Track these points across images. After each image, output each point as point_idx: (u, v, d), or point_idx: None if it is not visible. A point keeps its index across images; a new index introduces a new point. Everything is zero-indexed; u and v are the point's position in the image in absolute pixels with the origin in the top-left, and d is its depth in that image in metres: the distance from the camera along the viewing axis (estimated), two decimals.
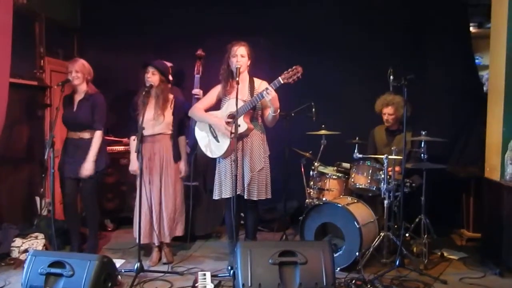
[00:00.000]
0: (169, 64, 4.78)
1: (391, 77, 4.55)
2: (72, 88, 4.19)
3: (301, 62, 3.69)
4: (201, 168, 4.83)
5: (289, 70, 3.65)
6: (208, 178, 4.79)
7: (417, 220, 4.22)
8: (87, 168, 4.07)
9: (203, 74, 4.85)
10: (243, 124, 3.79)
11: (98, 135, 4.15)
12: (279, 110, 3.83)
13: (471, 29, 5.64)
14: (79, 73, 4.10)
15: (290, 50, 5.30)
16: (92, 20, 5.64)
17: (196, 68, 4.88)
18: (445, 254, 4.35)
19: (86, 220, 4.32)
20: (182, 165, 4.23)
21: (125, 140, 5.12)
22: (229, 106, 3.89)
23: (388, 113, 4.60)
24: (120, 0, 5.52)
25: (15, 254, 4.17)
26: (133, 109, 4.06)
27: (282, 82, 3.65)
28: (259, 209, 4.21)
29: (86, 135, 4.16)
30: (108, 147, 4.52)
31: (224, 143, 3.89)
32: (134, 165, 4.06)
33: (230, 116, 3.87)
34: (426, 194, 4.12)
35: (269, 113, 3.84)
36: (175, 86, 4.99)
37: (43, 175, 4.92)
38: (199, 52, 4.90)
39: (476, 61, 5.88)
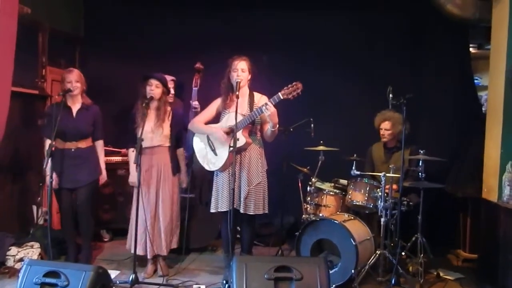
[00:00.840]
0: (171, 77, 4.82)
1: (390, 95, 4.59)
2: (64, 99, 4.07)
3: (301, 78, 3.73)
4: (198, 181, 4.83)
5: (289, 86, 3.67)
6: (204, 190, 4.79)
7: (413, 239, 4.21)
8: (104, 177, 4.35)
9: (202, 87, 4.86)
10: (241, 138, 3.81)
11: (102, 144, 4.33)
12: (278, 125, 3.85)
13: (471, 50, 5.69)
14: (79, 82, 4.12)
15: (289, 65, 5.34)
16: (94, 31, 5.69)
17: (194, 81, 4.88)
18: (441, 274, 4.32)
19: (80, 229, 4.30)
20: (183, 176, 4.26)
21: (123, 151, 5.13)
22: (229, 119, 3.90)
23: (384, 128, 4.62)
24: (122, 12, 5.57)
25: (10, 263, 4.15)
26: (132, 122, 4.07)
27: (281, 97, 3.67)
28: (255, 223, 4.20)
29: (83, 144, 4.18)
30: (106, 157, 4.52)
31: (222, 156, 3.90)
32: (133, 177, 4.01)
33: (229, 130, 3.89)
34: (423, 213, 4.11)
35: (268, 128, 3.85)
36: (178, 98, 5.02)
37: (41, 184, 4.92)
38: (198, 65, 4.90)
39: (475, 81, 5.91)
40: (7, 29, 3.94)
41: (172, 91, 4.86)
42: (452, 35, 5.29)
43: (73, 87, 4.09)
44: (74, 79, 4.11)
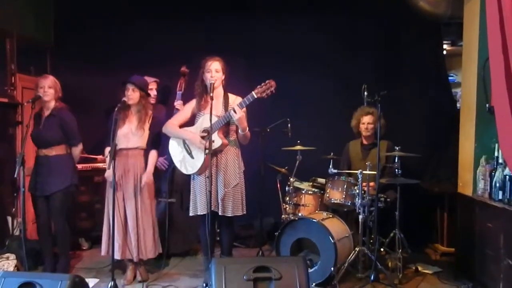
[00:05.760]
0: (154, 79, 4.77)
1: (365, 93, 4.62)
2: (41, 105, 4.10)
3: (277, 78, 3.73)
4: (179, 185, 4.79)
5: (262, 84, 3.67)
6: (185, 195, 4.74)
7: (391, 235, 4.25)
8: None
9: (186, 91, 4.78)
10: (217, 140, 3.78)
11: (76, 150, 4.19)
12: (247, 129, 3.84)
13: (445, 47, 5.76)
14: (51, 89, 4.05)
15: (266, 66, 5.32)
16: (64, 38, 5.55)
17: (179, 85, 4.85)
18: (420, 268, 4.37)
19: (56, 238, 4.21)
20: (144, 175, 4.08)
21: (98, 157, 5.05)
22: (203, 121, 3.88)
23: (367, 122, 4.64)
24: (97, 16, 5.45)
25: None
26: (111, 124, 3.98)
27: (255, 96, 3.66)
28: (235, 225, 4.18)
29: (52, 152, 4.08)
30: (82, 165, 4.45)
31: (199, 159, 3.87)
32: (109, 172, 3.93)
33: (204, 132, 3.87)
34: (400, 209, 4.15)
35: (239, 131, 3.85)
36: (160, 104, 4.96)
37: (15, 194, 4.82)
38: (183, 69, 4.87)
39: (450, 78, 5.98)
40: None
41: (155, 92, 4.81)
42: (425, 34, 5.37)
43: (45, 93, 4.02)
44: (47, 84, 4.04)
